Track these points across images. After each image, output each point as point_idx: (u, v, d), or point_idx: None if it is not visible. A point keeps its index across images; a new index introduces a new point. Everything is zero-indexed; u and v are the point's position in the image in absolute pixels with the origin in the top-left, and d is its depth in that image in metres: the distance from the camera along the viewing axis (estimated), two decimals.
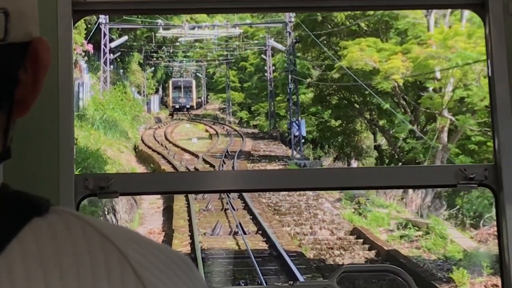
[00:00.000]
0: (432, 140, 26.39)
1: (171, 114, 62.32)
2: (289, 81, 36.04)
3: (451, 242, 17.44)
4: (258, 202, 20.99)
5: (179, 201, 20.70)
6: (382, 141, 34.39)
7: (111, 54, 41.28)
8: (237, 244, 16.56)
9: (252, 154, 33.33)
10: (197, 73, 77.66)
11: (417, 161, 27.17)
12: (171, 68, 72.79)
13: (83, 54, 32.61)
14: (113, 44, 40.66)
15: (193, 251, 15.29)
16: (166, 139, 38.69)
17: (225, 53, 61.30)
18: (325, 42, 32.91)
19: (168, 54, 64.86)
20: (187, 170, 23.23)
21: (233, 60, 61.27)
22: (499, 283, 2.28)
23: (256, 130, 48.03)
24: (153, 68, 64.35)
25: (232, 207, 19.83)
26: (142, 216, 20.93)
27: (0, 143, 0.85)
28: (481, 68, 22.69)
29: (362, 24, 31.39)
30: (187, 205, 20.14)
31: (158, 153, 30.68)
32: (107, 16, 36.32)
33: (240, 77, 61.24)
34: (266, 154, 33.85)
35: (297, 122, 33.98)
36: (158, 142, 36.80)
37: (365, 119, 33.30)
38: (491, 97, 2.23)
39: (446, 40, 23.76)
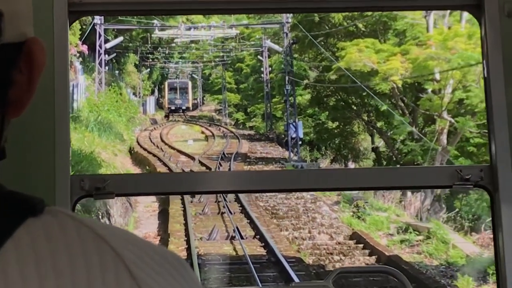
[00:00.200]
0: (431, 142, 26.04)
1: (167, 116, 62.19)
2: (286, 82, 35.67)
3: (453, 247, 17.02)
4: (256, 205, 20.65)
5: (174, 204, 20.37)
6: (380, 143, 34.12)
7: (106, 55, 40.93)
8: (234, 249, 16.20)
9: (248, 156, 33.09)
10: (193, 75, 77.58)
11: (415, 163, 26.83)
12: (167, 70, 72.75)
13: (78, 55, 32.22)
14: (108, 45, 40.33)
15: (189, 256, 14.91)
16: (162, 140, 38.47)
17: (221, 54, 61.17)
18: (323, 43, 32.56)
19: (164, 55, 64.70)
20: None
21: (229, 62, 61.20)
22: None
23: (252, 132, 47.84)
24: (148, 69, 64.19)
25: (229, 210, 19.51)
26: (137, 219, 20.61)
27: None
28: (481, 70, 22.27)
29: (360, 25, 31.05)
30: (183, 209, 19.81)
31: (154, 155, 30.38)
32: (102, 17, 35.93)
33: (236, 78, 61.22)
34: (263, 156, 33.63)
35: (294, 124, 33.62)
36: (153, 144, 36.59)
37: (362, 121, 33.01)
38: (486, 98, 2.22)
39: (446, 41, 23.41)
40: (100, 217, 16.81)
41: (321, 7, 2.71)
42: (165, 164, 27.50)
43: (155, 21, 43.60)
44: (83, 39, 34.25)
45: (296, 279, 13.12)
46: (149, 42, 55.45)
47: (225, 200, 20.63)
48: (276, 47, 40.44)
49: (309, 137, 37.37)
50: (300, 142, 34.12)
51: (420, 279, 13.62)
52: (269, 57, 46.10)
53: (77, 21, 2.75)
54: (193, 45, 61.47)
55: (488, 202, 2.41)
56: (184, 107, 63.38)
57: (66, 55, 2.14)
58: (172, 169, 25.83)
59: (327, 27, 32.28)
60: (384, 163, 31.52)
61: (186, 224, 17.97)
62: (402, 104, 28.62)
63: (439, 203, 24.69)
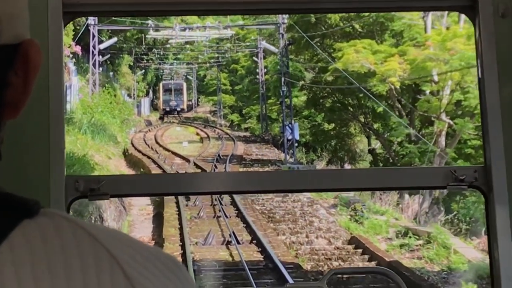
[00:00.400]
0: (430, 144, 25.69)
1: (162, 117, 61.92)
2: (282, 83, 35.27)
3: (454, 253, 16.58)
4: (252, 209, 20.28)
5: (169, 208, 20.00)
6: (376, 144, 33.81)
7: (100, 56, 40.51)
8: (231, 254, 15.82)
9: (244, 158, 32.75)
10: (188, 76, 77.25)
11: (413, 165, 26.47)
12: (161, 71, 72.45)
13: (71, 56, 31.79)
14: (102, 46, 39.93)
15: (184, 262, 14.46)
16: (157, 142, 38.14)
17: (216, 55, 60.78)
18: (319, 44, 32.20)
19: (159, 56, 64.43)
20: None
21: (224, 63, 60.84)
22: None
23: (247, 133, 47.58)
24: (143, 70, 63.87)
25: (225, 214, 19.09)
26: (131, 223, 20.23)
27: None
28: None
29: (357, 26, 30.69)
30: (178, 212, 19.42)
31: (148, 157, 30.00)
32: (96, 18, 35.50)
33: (231, 79, 60.93)
34: (259, 158, 33.34)
35: (290, 125, 33.22)
36: (148, 145, 36.33)
37: (359, 123, 32.68)
38: (481, 99, 2.21)
39: (445, 42, 23.02)
40: (93, 221, 16.34)
41: (317, 8, 2.69)
42: (159, 167, 27.17)
43: (149, 22, 43.14)
44: (76, 39, 33.79)
45: None
46: (144, 43, 55.07)
47: (220, 203, 20.30)
48: (272, 48, 40.08)
49: (305, 139, 37.13)
50: (296, 144, 33.72)
51: (423, 286, 13.21)
52: (264, 58, 45.74)
53: (70, 22, 2.54)
54: (188, 46, 61.18)
55: None
56: (179, 109, 63.63)
57: (61, 56, 2.13)
58: (166, 172, 25.43)
59: (323, 28, 31.93)
60: (381, 165, 31.21)
61: (181, 228, 17.60)
62: (399, 106, 28.25)
63: (437, 206, 24.34)
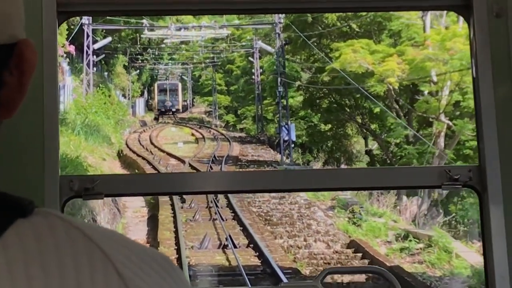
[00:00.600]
0: (429, 145, 25.32)
1: (157, 118, 61.69)
2: (279, 84, 34.86)
3: (456, 257, 16.14)
4: (248, 211, 19.90)
5: (164, 210, 19.63)
6: (373, 145, 33.50)
7: (95, 56, 40.12)
8: (227, 259, 15.44)
9: (240, 159, 32.38)
10: (183, 76, 77.00)
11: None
12: (156, 71, 72.16)
13: (65, 55, 31.35)
14: (96, 46, 39.52)
15: (179, 267, 13.92)
16: (151, 143, 37.76)
17: (212, 55, 60.50)
18: (316, 43, 31.82)
19: (154, 56, 64.20)
20: None
21: (219, 63, 60.52)
22: None
23: (243, 134, 47.31)
24: (138, 70, 63.55)
25: (221, 217, 18.67)
26: (126, 226, 19.86)
27: None
28: None
29: (354, 25, 30.32)
30: (173, 215, 19.00)
31: (143, 158, 29.60)
32: (90, 17, 35.08)
33: (226, 80, 60.69)
34: (255, 159, 32.96)
35: (286, 126, 32.83)
36: (143, 146, 36.04)
37: (356, 123, 32.35)
38: (475, 98, 2.22)
39: (444, 42, 22.62)
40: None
41: (314, 8, 2.75)
42: (154, 168, 26.80)
43: (144, 21, 42.71)
44: (70, 39, 33.37)
45: None
46: (139, 43, 54.66)
47: (216, 206, 19.91)
48: (268, 48, 39.76)
49: (301, 140, 36.84)
50: (292, 145, 33.35)
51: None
52: (260, 58, 45.42)
53: (65, 21, 2.60)
54: (183, 46, 60.88)
55: None
56: (174, 109, 63.66)
57: (55, 56, 2.14)
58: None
59: (320, 28, 31.55)
60: (378, 166, 30.83)
61: (176, 232, 17.25)
62: (397, 107, 27.87)
63: (436, 208, 23.97)
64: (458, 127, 23.91)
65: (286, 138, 32.90)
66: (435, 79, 24.60)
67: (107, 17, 36.56)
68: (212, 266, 14.77)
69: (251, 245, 16.21)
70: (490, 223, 2.16)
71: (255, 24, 42.98)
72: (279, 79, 35.14)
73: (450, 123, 24.40)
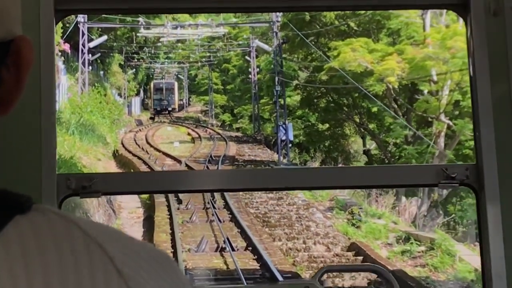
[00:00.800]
0: (428, 145, 24.95)
1: (153, 117, 61.49)
2: (276, 83, 34.46)
3: (459, 260, 15.68)
4: (246, 213, 19.52)
5: (160, 212, 19.26)
6: (371, 145, 33.17)
7: (90, 55, 39.68)
8: (225, 262, 15.01)
9: (236, 159, 31.97)
10: (179, 75, 76.78)
11: None
12: (152, 70, 71.96)
13: (60, 54, 30.88)
14: (91, 44, 39.07)
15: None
16: (147, 142, 37.37)
17: (208, 54, 60.25)
18: (313, 42, 31.42)
19: (150, 55, 63.89)
20: None
21: (215, 62, 60.27)
22: None
23: (239, 134, 47.06)
24: (134, 69, 63.20)
25: (218, 218, 18.26)
26: (121, 227, 19.44)
27: None
28: None
29: (352, 24, 29.92)
30: (169, 216, 18.59)
31: (139, 158, 29.21)
32: (86, 15, 34.62)
33: (222, 79, 60.49)
34: (251, 159, 32.59)
35: (284, 126, 32.41)
36: (139, 146, 35.71)
37: (354, 123, 32.01)
38: (472, 97, 2.22)
39: (445, 40, 22.20)
40: None
41: (312, 6, 2.76)
42: (150, 168, 26.44)
43: (140, 19, 42.26)
44: (66, 37, 32.91)
45: None
46: (135, 42, 54.25)
47: (213, 207, 19.51)
48: (265, 46, 39.41)
49: (298, 139, 36.52)
50: (290, 145, 32.98)
51: None
52: (256, 57, 45.08)
53: (62, 19, 2.48)
54: (179, 44, 60.56)
55: None
56: (170, 108, 63.59)
57: (52, 54, 2.14)
58: None
59: (318, 26, 31.15)
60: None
61: (172, 234, 16.90)
62: (396, 106, 27.46)
63: (436, 209, 23.58)
64: (458, 127, 23.54)
65: (284, 138, 32.50)
66: (435, 78, 24.18)
67: (103, 15, 36.13)
68: (209, 270, 14.39)
69: (249, 248, 15.80)
70: (487, 221, 2.15)
71: (252, 22, 42.58)
72: (276, 78, 34.73)
73: (450, 123, 23.99)
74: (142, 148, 34.70)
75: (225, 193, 20.81)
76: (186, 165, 27.94)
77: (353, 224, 19.69)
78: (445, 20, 25.16)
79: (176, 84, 67.34)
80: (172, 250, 15.51)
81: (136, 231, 18.99)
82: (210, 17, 43.71)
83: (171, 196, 20.62)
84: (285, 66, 36.38)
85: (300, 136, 36.83)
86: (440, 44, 23.01)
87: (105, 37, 42.02)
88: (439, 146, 24.62)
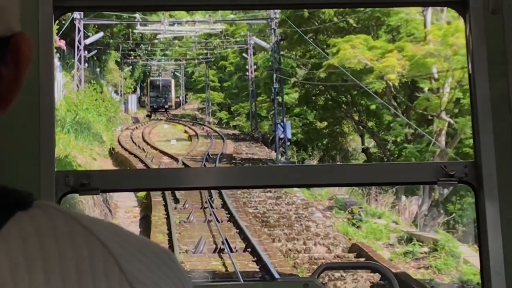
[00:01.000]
0: (427, 143, 24.56)
1: (149, 115, 61.22)
2: (274, 80, 34.05)
3: (464, 262, 15.24)
4: (244, 212, 19.16)
5: (157, 211, 18.91)
6: (370, 143, 32.82)
7: (86, 52, 39.24)
8: (224, 264, 14.60)
9: (234, 157, 31.62)
10: (176, 72, 76.51)
11: None
12: (149, 67, 71.66)
13: (55, 50, 30.44)
14: (87, 41, 38.66)
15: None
16: (144, 140, 36.97)
17: (205, 51, 59.94)
18: (312, 39, 31.01)
19: (146, 52, 63.54)
20: None
21: (212, 59, 59.97)
22: None
23: (237, 131, 46.78)
24: (130, 67, 62.80)
25: (216, 218, 17.84)
26: None
27: None
28: None
29: (351, 21, 29.51)
30: (166, 216, 18.21)
31: (136, 156, 28.82)
32: (82, 12, 34.16)
33: (219, 76, 60.18)
34: (249, 157, 32.23)
35: (282, 123, 32.00)
36: (135, 144, 35.29)
37: (353, 121, 31.64)
38: (471, 94, 2.25)
39: (446, 37, 21.77)
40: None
41: (310, 3, 2.84)
42: (147, 166, 25.98)
43: (136, 15, 41.83)
44: (62, 34, 32.53)
45: None
46: (131, 39, 53.84)
47: (211, 206, 19.14)
48: (263, 43, 38.98)
49: (296, 137, 36.20)
50: (288, 143, 32.60)
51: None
52: (254, 54, 44.70)
53: (61, 16, 2.39)
54: (176, 41, 60.21)
55: None
56: (166, 106, 63.43)
57: (51, 51, 2.14)
58: None
59: (316, 23, 30.73)
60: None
61: (170, 234, 16.60)
62: (395, 104, 27.05)
63: (437, 208, 23.19)
64: (459, 125, 23.17)
65: (282, 136, 32.08)
66: (436, 75, 23.76)
67: (99, 12, 35.67)
68: (207, 272, 13.96)
69: (249, 249, 15.38)
70: (486, 219, 2.16)
71: (250, 19, 42.18)
72: (274, 76, 34.31)
73: (452, 121, 23.58)
74: (139, 146, 34.48)
75: (223, 193, 20.52)
76: (183, 163, 27.62)
77: (353, 224, 19.31)
78: (446, 16, 24.75)
79: (173, 81, 67.28)
80: None
81: (133, 231, 18.56)
82: (207, 14, 43.31)
83: (168, 196, 20.27)
84: (283, 64, 36.03)
85: (298, 134, 36.67)
86: (442, 41, 22.62)
87: (101, 34, 41.72)
88: (440, 144, 24.23)
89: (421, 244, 16.91)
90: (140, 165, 26.64)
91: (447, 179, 2.20)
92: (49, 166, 2.09)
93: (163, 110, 63.02)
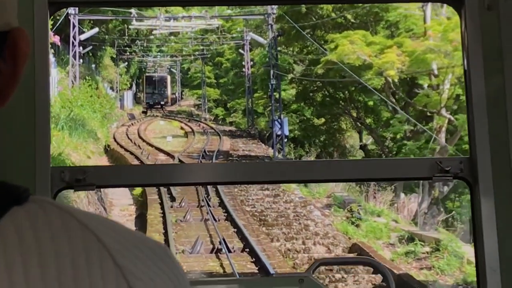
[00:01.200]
0: (427, 140, 24.20)
1: (145, 111, 60.90)
2: (271, 76, 33.64)
3: (468, 263, 14.82)
4: (242, 211, 18.81)
5: (153, 210, 18.59)
6: (368, 140, 32.47)
7: (81, 48, 38.78)
8: (221, 265, 14.23)
9: (231, 154, 31.28)
10: (172, 69, 76.18)
11: None
12: (145, 63, 71.30)
13: (49, 46, 29.96)
14: (82, 37, 38.19)
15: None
16: (140, 137, 36.58)
17: (201, 47, 59.54)
18: (309, 35, 30.59)
19: (142, 48, 63.14)
20: None
21: (209, 56, 59.60)
22: None
23: (233, 128, 46.51)
24: (126, 63, 62.41)
25: (213, 217, 17.43)
26: None
27: None
28: None
29: (349, 16, 29.08)
30: (162, 215, 17.81)
31: (131, 153, 28.46)
32: (77, 7, 33.68)
33: (216, 73, 59.87)
34: (246, 154, 31.91)
35: (279, 120, 31.61)
36: (131, 140, 34.91)
37: (351, 117, 31.28)
38: (466, 91, 2.24)
39: (447, 32, 21.35)
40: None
41: None
42: (143, 164, 25.41)
43: (132, 10, 41.34)
44: (57, 30, 32.07)
45: None
46: (127, 34, 53.37)
47: (208, 205, 18.71)
48: (260, 39, 38.62)
49: (293, 134, 35.85)
50: (285, 140, 32.23)
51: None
52: (250, 50, 44.29)
53: (56, 12, 2.34)
54: (172, 37, 59.82)
55: None
56: (162, 102, 63.11)
57: (47, 47, 2.12)
58: None
59: (314, 19, 30.31)
60: None
61: (166, 234, 16.35)
62: (394, 100, 26.64)
63: (437, 206, 22.81)
64: (459, 122, 22.76)
65: (279, 133, 31.68)
66: (436, 71, 23.33)
67: (94, 7, 35.18)
68: (205, 274, 13.57)
69: (247, 250, 14.98)
70: (481, 214, 2.16)
71: (247, 15, 41.74)
72: (271, 72, 33.90)
73: (452, 118, 23.17)
74: (135, 143, 34.29)
75: (220, 191, 20.18)
76: (180, 160, 27.20)
77: (352, 223, 18.92)
78: (446, 12, 24.32)
79: (168, 77, 67.01)
80: None
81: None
82: (204, 9, 42.87)
83: (164, 193, 19.89)
84: (280, 60, 35.62)
85: (295, 130, 36.40)
86: (442, 36, 22.20)
87: (96, 30, 41.31)
88: (440, 141, 23.83)
89: (422, 243, 16.50)
90: (135, 163, 26.33)
91: (442, 175, 2.20)
92: (45, 162, 2.09)
93: (159, 106, 62.93)
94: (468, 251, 15.80)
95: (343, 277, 14.12)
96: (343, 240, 17.03)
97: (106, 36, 50.87)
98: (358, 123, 31.55)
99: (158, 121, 50.19)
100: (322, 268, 14.78)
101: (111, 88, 54.07)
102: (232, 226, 17.22)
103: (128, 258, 0.79)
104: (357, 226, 18.71)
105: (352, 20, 29.35)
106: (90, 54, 47.87)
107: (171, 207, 19.17)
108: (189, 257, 14.87)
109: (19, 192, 0.82)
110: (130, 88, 66.79)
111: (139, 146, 32.72)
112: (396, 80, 25.01)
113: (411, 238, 17.07)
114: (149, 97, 62.97)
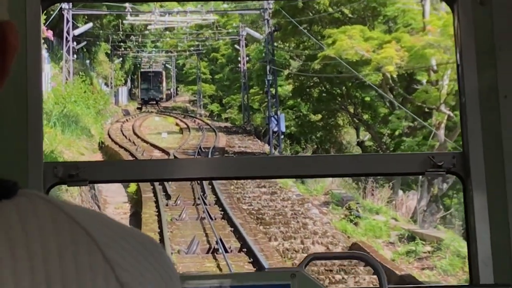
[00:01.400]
0: (425, 137, 23.86)
1: (140, 107, 60.55)
2: (268, 72, 33.25)
3: None
4: (239, 209, 18.48)
5: (148, 208, 18.25)
6: (365, 137, 32.11)
7: (75, 43, 38.32)
8: (218, 266, 13.83)
9: (226, 150, 30.95)
10: (167, 64, 75.87)
11: None
12: (139, 59, 70.91)
13: (43, 41, 29.53)
14: (76, 32, 37.71)
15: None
16: (134, 133, 36.19)
17: (196, 43, 59.14)
18: (306, 30, 30.18)
19: (137, 44, 62.74)
20: None
21: (204, 51, 59.25)
22: None
23: (228, 124, 46.17)
24: (121, 58, 61.97)
25: (210, 215, 17.05)
26: None
27: None
28: None
29: (346, 11, 28.69)
30: (157, 213, 17.42)
31: (126, 150, 28.11)
32: (71, 2, 33.23)
33: (211, 68, 59.53)
34: (242, 151, 31.57)
35: (275, 116, 31.23)
36: (125, 137, 34.54)
37: (348, 113, 30.93)
38: (459, 86, 2.27)
39: (446, 27, 20.99)
40: None
41: None
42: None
43: (126, 4, 40.89)
44: (50, 25, 31.61)
45: None
46: (121, 30, 52.92)
47: (204, 203, 18.38)
48: (256, 34, 38.20)
49: (290, 130, 35.54)
50: (282, 136, 31.90)
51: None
52: (246, 46, 43.89)
53: (48, 7, 2.31)
54: (167, 33, 59.41)
55: None
56: (157, 98, 62.79)
57: (39, 43, 2.13)
58: None
59: (311, 14, 29.92)
60: None
61: (161, 233, 15.94)
62: (392, 96, 26.27)
63: (436, 204, 22.46)
64: (459, 118, 22.33)
65: (275, 129, 31.32)
66: (435, 67, 22.96)
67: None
68: (201, 274, 13.05)
69: (244, 249, 14.56)
70: (474, 209, 2.17)
71: (243, 9, 41.33)
72: (268, 67, 33.51)
73: (451, 114, 22.81)
74: (129, 139, 34.14)
75: (216, 188, 19.84)
76: (175, 157, 26.76)
77: (351, 221, 18.54)
78: (445, 6, 23.96)
79: (163, 73, 66.64)
80: None
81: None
82: (199, 4, 42.46)
83: (159, 191, 19.49)
84: (276, 55, 35.24)
85: (292, 127, 36.10)
86: (441, 31, 21.85)
87: (90, 25, 40.85)
88: (439, 137, 23.48)
89: (423, 242, 16.11)
90: (130, 159, 25.84)
91: (435, 169, 2.21)
92: (37, 158, 2.09)
93: (154, 102, 62.68)
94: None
95: (343, 278, 13.77)
96: (342, 239, 16.68)
97: (101, 31, 50.49)
98: (355, 119, 31.24)
99: (153, 117, 50.08)
100: (322, 269, 14.42)
101: (106, 84, 53.74)
102: (228, 225, 16.83)
103: (117, 252, 0.78)
104: (356, 224, 18.34)
105: (350, 15, 29.01)
106: (84, 50, 47.56)
107: (166, 205, 18.84)
108: (185, 257, 14.47)
109: (8, 185, 0.81)
110: (125, 84, 66.46)
111: (133, 142, 32.56)
112: (394, 76, 24.64)
113: (411, 237, 16.69)
114: (144, 93, 62.79)
